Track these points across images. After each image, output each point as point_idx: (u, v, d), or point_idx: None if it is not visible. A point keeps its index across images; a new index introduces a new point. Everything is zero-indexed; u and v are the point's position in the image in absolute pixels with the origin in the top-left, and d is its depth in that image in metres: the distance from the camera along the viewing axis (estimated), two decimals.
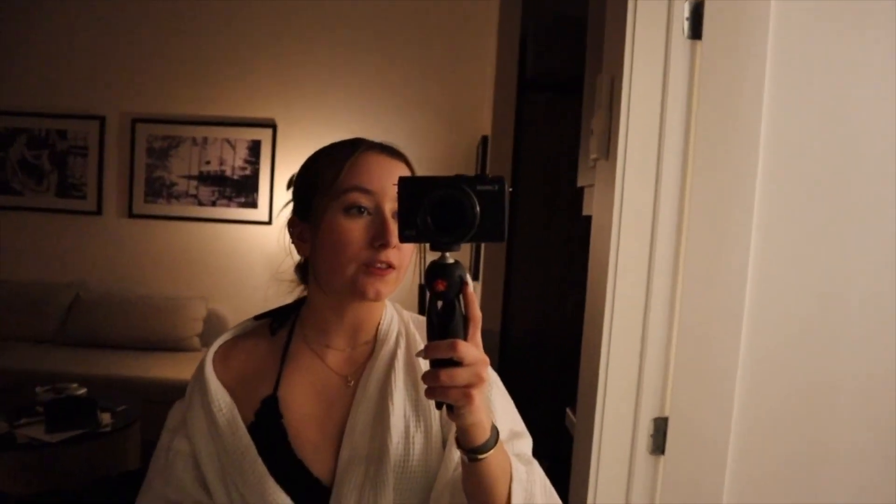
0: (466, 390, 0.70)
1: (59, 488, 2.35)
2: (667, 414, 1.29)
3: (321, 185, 0.90)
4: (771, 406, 1.28)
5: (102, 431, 2.87)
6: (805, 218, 1.27)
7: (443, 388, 0.70)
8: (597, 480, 1.32)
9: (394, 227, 0.85)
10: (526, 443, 0.94)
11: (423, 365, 0.91)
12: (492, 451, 0.76)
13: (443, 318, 0.72)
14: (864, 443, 1.29)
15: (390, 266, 0.87)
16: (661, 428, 1.29)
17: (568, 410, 1.88)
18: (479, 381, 0.70)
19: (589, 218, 1.77)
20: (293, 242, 0.97)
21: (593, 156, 1.42)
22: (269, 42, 4.46)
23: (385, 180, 0.88)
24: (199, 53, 4.50)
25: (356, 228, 0.86)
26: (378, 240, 0.85)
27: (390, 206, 0.87)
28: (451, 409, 0.72)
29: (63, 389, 3.13)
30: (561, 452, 2.33)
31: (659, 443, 1.30)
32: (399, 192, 0.73)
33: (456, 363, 0.69)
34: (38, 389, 3.12)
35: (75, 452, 2.77)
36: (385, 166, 0.90)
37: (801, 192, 1.27)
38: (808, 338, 1.28)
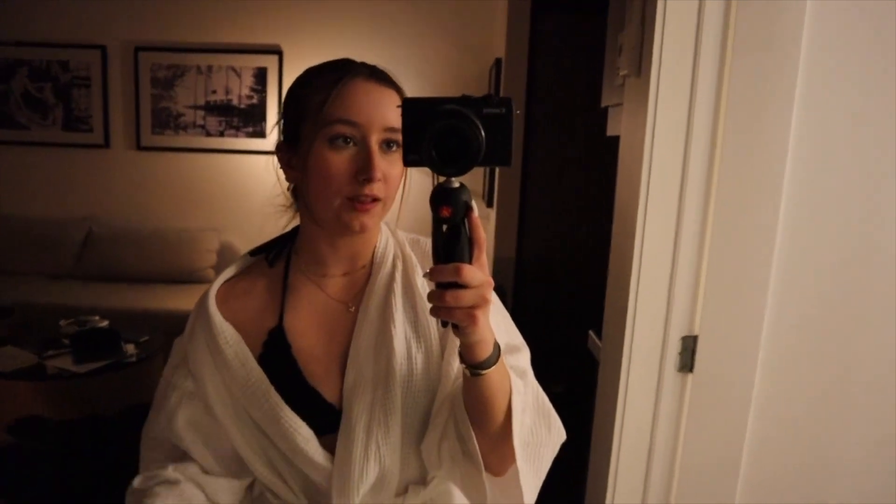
0: (471, 311, 0.71)
1: (95, 415, 2.42)
2: (696, 332, 1.30)
3: (308, 112, 0.87)
4: (801, 324, 1.29)
5: (128, 362, 2.94)
6: (843, 135, 1.24)
7: (448, 309, 0.71)
8: (625, 399, 1.35)
9: (379, 161, 0.85)
10: (523, 356, 0.96)
11: (422, 286, 0.94)
12: (494, 367, 0.78)
13: (448, 243, 0.72)
14: None
15: (375, 199, 0.86)
16: (689, 346, 1.31)
17: (591, 333, 1.89)
18: (483, 302, 0.71)
19: (612, 139, 1.74)
20: (282, 168, 0.95)
21: (623, 72, 1.38)
22: None
23: (372, 111, 0.85)
24: None
25: (341, 161, 0.85)
26: (363, 174, 0.84)
27: (377, 137, 0.86)
28: (455, 327, 0.74)
29: (86, 322, 3.18)
30: (579, 374, 2.37)
31: (687, 361, 1.31)
32: (403, 115, 0.71)
33: (461, 286, 0.70)
34: (61, 322, 3.17)
35: (103, 382, 2.84)
36: (373, 96, 0.87)
37: (842, 112, 1.23)
38: (844, 255, 1.27)
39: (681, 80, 1.23)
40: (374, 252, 0.98)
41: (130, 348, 3.02)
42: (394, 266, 0.97)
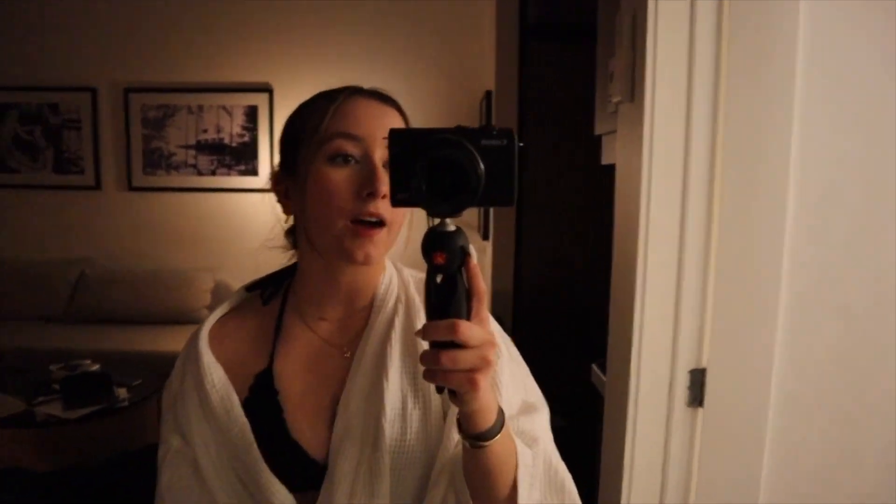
0: (471, 375, 0.61)
1: (80, 464, 2.34)
2: (704, 365, 1.25)
3: (305, 135, 0.83)
4: (814, 353, 1.24)
5: (120, 406, 2.87)
6: (845, 158, 1.21)
7: (444, 372, 0.62)
8: (634, 435, 1.29)
9: (384, 176, 0.78)
10: (539, 417, 0.87)
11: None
12: (497, 438, 0.69)
13: (443, 295, 0.63)
14: None
15: (381, 221, 0.80)
16: (698, 379, 1.26)
17: (594, 366, 1.84)
18: (484, 364, 0.62)
19: (606, 167, 1.71)
20: (278, 201, 0.90)
21: (616, 99, 1.35)
22: (262, 3, 4.32)
23: (374, 126, 0.81)
24: (189, 18, 4.37)
25: (342, 178, 0.79)
26: (366, 188, 0.78)
27: (380, 153, 0.80)
28: (453, 393, 0.64)
29: (77, 366, 3.12)
30: (581, 409, 2.31)
31: (697, 395, 1.26)
32: (390, 147, 0.63)
33: (458, 345, 0.61)
34: (52, 367, 3.10)
35: (94, 428, 2.76)
36: (374, 111, 0.83)
37: (841, 131, 1.20)
38: (852, 284, 1.23)
39: (676, 104, 1.20)
40: (375, 291, 0.91)
41: (122, 392, 2.95)
42: (395, 310, 0.89)
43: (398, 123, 0.85)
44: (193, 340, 0.90)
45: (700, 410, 1.26)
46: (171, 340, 3.91)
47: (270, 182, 0.91)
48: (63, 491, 2.13)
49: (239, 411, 0.84)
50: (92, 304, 4.28)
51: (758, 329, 1.22)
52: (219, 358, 0.88)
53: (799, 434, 1.26)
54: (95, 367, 3.14)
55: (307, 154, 0.82)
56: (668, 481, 1.29)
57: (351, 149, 0.80)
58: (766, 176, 1.20)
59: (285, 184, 0.88)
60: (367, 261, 0.81)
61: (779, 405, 1.25)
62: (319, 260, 0.87)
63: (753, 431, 1.25)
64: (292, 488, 0.82)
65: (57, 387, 2.92)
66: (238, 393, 0.86)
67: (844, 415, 1.26)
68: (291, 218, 0.92)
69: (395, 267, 0.95)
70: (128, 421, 2.90)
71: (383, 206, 0.79)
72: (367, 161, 0.80)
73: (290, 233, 0.95)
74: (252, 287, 0.97)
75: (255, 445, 0.82)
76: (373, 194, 0.78)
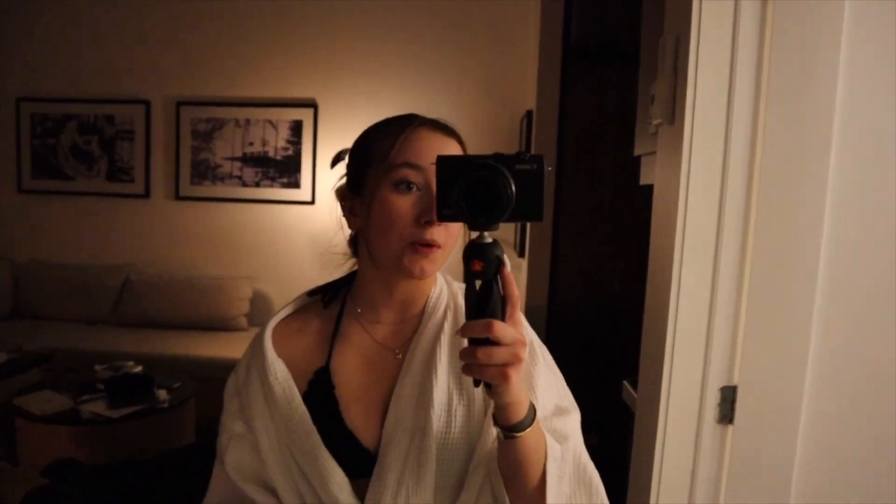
0: (503, 369, 0.71)
1: (130, 459, 2.44)
2: (735, 382, 1.26)
3: (374, 159, 0.91)
4: (846, 374, 1.25)
5: (160, 407, 2.96)
6: (881, 183, 1.22)
7: (479, 366, 0.71)
8: (663, 451, 1.31)
9: None
10: (571, 418, 0.94)
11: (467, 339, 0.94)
12: (528, 430, 0.77)
13: (480, 298, 0.73)
14: None
15: (436, 244, 0.87)
16: (728, 397, 1.27)
17: (625, 383, 1.86)
18: (516, 360, 0.71)
19: (643, 187, 1.74)
20: (344, 216, 0.98)
21: (656, 121, 1.39)
22: (308, 21, 4.46)
23: (435, 156, 0.87)
24: (239, 36, 4.53)
25: (405, 204, 0.87)
26: (425, 216, 0.86)
27: None
28: (488, 386, 0.73)
29: (120, 367, 3.23)
30: (613, 425, 2.32)
31: (727, 412, 1.27)
32: (437, 171, 0.74)
33: (493, 342, 0.70)
34: (97, 368, 3.22)
35: (136, 427, 2.86)
36: (437, 143, 0.90)
37: (879, 159, 1.22)
38: (886, 304, 1.24)
39: (715, 128, 1.23)
40: (427, 300, 0.99)
41: (163, 394, 3.05)
42: (444, 316, 0.97)
43: (456, 150, 0.93)
44: (259, 338, 0.98)
45: (730, 428, 1.27)
46: (209, 346, 4.02)
47: (337, 197, 0.99)
48: (110, 483, 2.21)
49: (299, 401, 0.92)
50: (136, 308, 4.42)
51: (790, 347, 1.24)
52: (281, 354, 0.95)
53: (830, 454, 1.26)
54: (138, 369, 3.24)
55: (374, 177, 0.90)
56: (696, 499, 1.30)
57: (414, 177, 0.87)
58: (803, 199, 1.22)
59: (351, 201, 0.96)
60: (422, 275, 0.89)
61: (810, 424, 1.25)
62: (378, 271, 0.95)
63: (783, 450, 1.26)
64: (346, 475, 0.89)
65: (101, 386, 3.04)
66: (298, 387, 0.93)
67: (877, 436, 1.26)
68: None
69: (445, 279, 1.03)
70: (168, 421, 3.00)
71: (438, 232, 0.87)
72: (427, 189, 0.87)
73: (352, 242, 1.03)
74: (314, 292, 1.05)
75: (315, 432, 0.90)
76: (430, 222, 0.86)
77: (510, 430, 0.77)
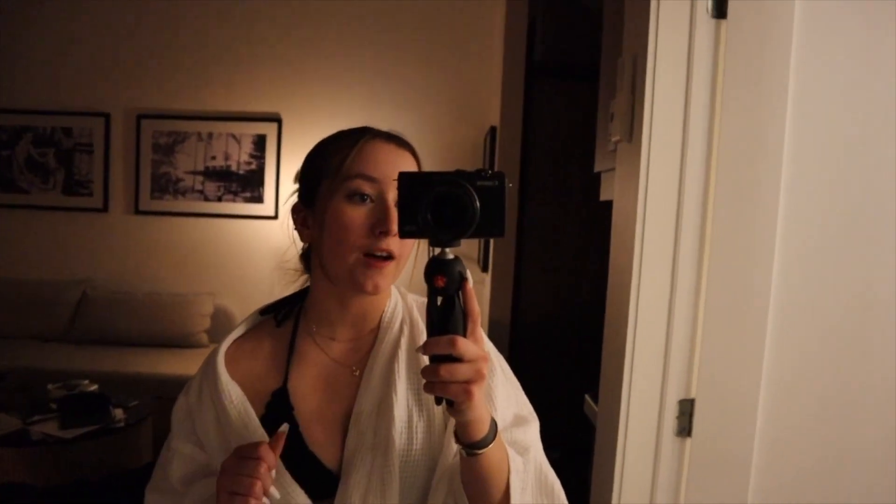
0: (466, 386, 0.70)
1: (79, 480, 2.35)
2: (693, 395, 1.28)
3: (327, 171, 0.90)
4: (799, 386, 1.28)
5: (116, 427, 2.88)
6: (832, 199, 1.26)
7: (442, 384, 0.70)
8: (623, 464, 1.32)
9: (395, 216, 0.85)
10: (530, 428, 0.94)
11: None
12: (490, 446, 0.77)
13: (442, 314, 0.72)
14: None
15: (390, 256, 0.87)
16: (687, 410, 1.29)
17: (587, 397, 1.87)
18: (478, 377, 0.70)
19: (605, 203, 1.77)
20: (296, 229, 0.97)
21: (615, 138, 1.41)
22: (273, 36, 4.44)
23: (390, 169, 0.87)
24: (202, 48, 4.48)
25: (358, 215, 0.86)
26: (379, 227, 0.85)
27: (393, 195, 0.86)
28: (450, 404, 0.73)
29: (75, 386, 3.13)
30: (575, 439, 2.33)
31: (685, 425, 1.29)
32: (399, 187, 0.73)
33: (455, 359, 0.70)
34: (49, 387, 3.11)
35: (89, 448, 2.77)
36: (391, 155, 0.90)
37: (829, 173, 1.26)
38: (838, 316, 1.27)
39: (671, 145, 1.26)
40: (382, 315, 0.97)
41: (119, 413, 2.96)
42: (400, 331, 0.96)
43: (411, 166, 0.92)
44: (210, 361, 0.95)
45: (688, 440, 1.29)
46: (169, 363, 3.92)
47: (291, 212, 0.97)
48: None
49: (257, 424, 0.89)
50: (93, 325, 4.30)
51: (746, 360, 1.26)
52: (235, 377, 0.93)
53: (785, 465, 1.29)
54: (93, 388, 3.15)
55: (327, 190, 0.89)
56: None
57: (368, 189, 0.87)
58: (757, 214, 1.25)
59: (304, 213, 0.95)
60: (375, 290, 0.88)
61: (765, 436, 1.28)
62: (331, 286, 0.93)
63: (740, 462, 1.28)
64: (308, 497, 0.87)
65: (54, 406, 2.94)
66: (255, 410, 0.91)
67: (830, 448, 1.29)
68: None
69: (399, 292, 1.02)
70: (123, 442, 2.91)
71: (393, 243, 0.86)
72: (381, 201, 0.87)
73: (304, 257, 1.01)
74: (266, 311, 1.02)
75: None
76: (385, 232, 0.85)
77: (472, 447, 0.76)
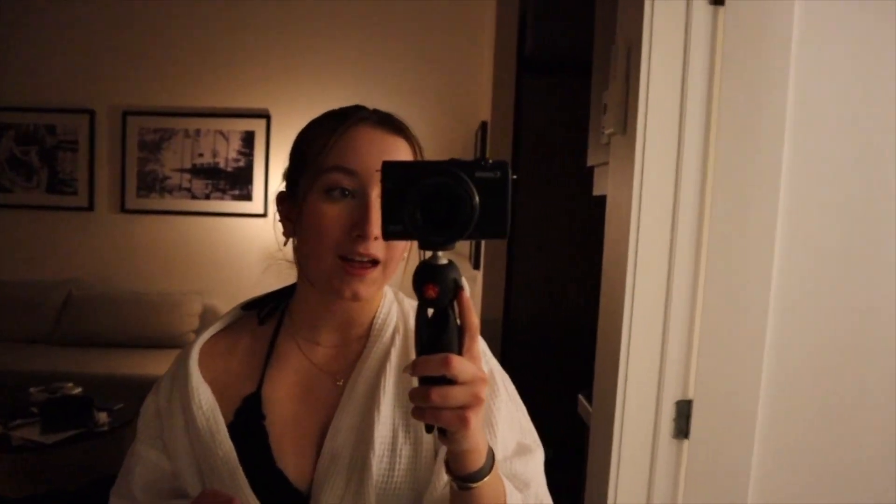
0: (462, 412, 0.60)
1: (56, 489, 2.29)
2: (690, 396, 1.24)
3: (307, 160, 0.80)
4: (799, 387, 1.24)
5: (99, 431, 2.81)
6: (833, 193, 1.22)
7: (433, 410, 0.60)
8: (618, 466, 1.27)
9: (376, 217, 0.74)
10: (532, 459, 0.84)
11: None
12: (485, 479, 0.67)
13: (434, 329, 0.61)
14: None
15: (373, 261, 0.77)
16: (684, 411, 1.25)
17: (580, 397, 1.83)
18: (475, 401, 0.60)
19: (599, 198, 1.72)
20: (280, 220, 0.87)
21: (608, 131, 1.36)
22: (261, 30, 4.38)
23: (374, 159, 0.75)
24: (189, 43, 4.41)
25: (335, 213, 0.76)
26: (357, 229, 0.75)
27: (377, 190, 0.75)
28: (443, 432, 0.62)
29: (58, 389, 3.07)
30: (568, 439, 2.29)
31: (682, 427, 1.25)
32: (382, 180, 0.61)
33: (449, 381, 0.59)
34: (32, 390, 3.05)
35: (72, 453, 2.72)
36: (377, 143, 0.79)
37: (831, 166, 1.22)
38: (838, 314, 1.23)
39: (667, 137, 1.21)
40: (373, 320, 0.87)
41: (103, 417, 2.90)
42: (392, 340, 0.86)
43: (405, 154, 0.82)
44: (183, 358, 0.86)
45: (686, 442, 1.24)
46: (157, 364, 3.86)
47: (276, 201, 0.88)
48: None
49: (224, 436, 0.81)
50: (78, 326, 4.23)
51: (745, 359, 1.22)
52: (207, 377, 0.84)
53: (785, 468, 1.25)
54: (77, 391, 3.09)
55: (306, 182, 0.79)
56: None
57: (347, 183, 0.77)
58: (755, 210, 1.20)
59: (287, 205, 0.86)
60: (354, 298, 0.78)
61: (765, 438, 1.24)
62: (313, 286, 0.84)
63: (739, 465, 1.24)
64: None
65: (36, 410, 2.88)
66: (225, 415, 0.82)
67: (829, 450, 1.25)
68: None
69: (395, 296, 0.91)
70: (107, 446, 2.85)
71: (376, 247, 0.76)
72: (362, 197, 0.77)
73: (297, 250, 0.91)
74: (249, 306, 0.93)
75: (239, 470, 0.79)
76: (363, 236, 0.75)
77: (465, 479, 0.66)
